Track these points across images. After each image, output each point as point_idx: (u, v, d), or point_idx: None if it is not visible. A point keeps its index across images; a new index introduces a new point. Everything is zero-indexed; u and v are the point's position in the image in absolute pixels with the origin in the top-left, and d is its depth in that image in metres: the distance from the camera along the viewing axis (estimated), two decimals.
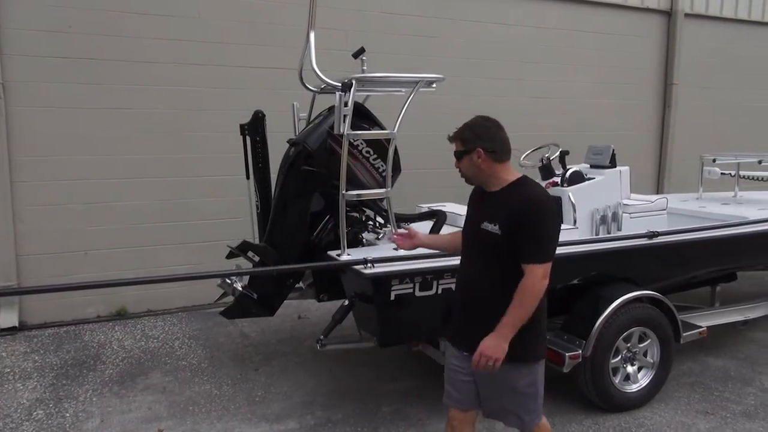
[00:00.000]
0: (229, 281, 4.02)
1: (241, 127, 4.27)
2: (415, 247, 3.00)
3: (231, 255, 4.07)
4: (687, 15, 8.81)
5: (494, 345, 2.39)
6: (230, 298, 4.14)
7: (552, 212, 2.47)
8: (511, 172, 2.58)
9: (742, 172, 6.22)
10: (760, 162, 5.58)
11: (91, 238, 5.77)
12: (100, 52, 5.61)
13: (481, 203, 2.63)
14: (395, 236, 3.00)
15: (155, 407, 4.04)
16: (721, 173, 6.10)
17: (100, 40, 5.60)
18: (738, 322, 4.89)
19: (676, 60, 8.78)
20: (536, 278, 2.38)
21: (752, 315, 4.96)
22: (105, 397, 4.18)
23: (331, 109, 3.77)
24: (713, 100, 9.37)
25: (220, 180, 6.06)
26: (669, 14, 8.75)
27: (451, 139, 2.64)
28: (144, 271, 5.81)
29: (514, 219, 2.41)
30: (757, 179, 6.58)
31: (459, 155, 2.60)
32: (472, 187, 2.75)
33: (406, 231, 2.97)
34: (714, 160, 5.92)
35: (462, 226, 2.78)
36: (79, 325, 5.67)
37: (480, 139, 2.54)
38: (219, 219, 6.09)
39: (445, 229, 3.89)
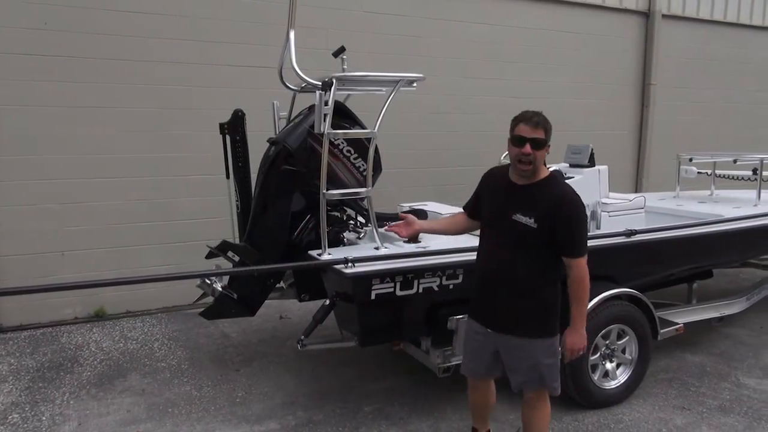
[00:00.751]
0: (208, 281, 3.99)
1: (221, 126, 4.23)
2: (416, 234, 3.33)
3: (210, 255, 4.04)
4: (664, 16, 8.93)
5: (578, 337, 2.77)
6: (210, 299, 4.10)
7: (584, 208, 2.76)
8: (544, 169, 2.82)
9: (718, 171, 6.33)
10: (735, 161, 5.67)
11: (69, 239, 5.68)
12: (77, 50, 5.52)
13: (511, 193, 2.79)
14: (393, 227, 3.28)
15: (134, 409, 3.99)
16: (698, 172, 6.19)
17: (77, 38, 5.51)
18: (714, 319, 4.96)
19: (654, 60, 8.89)
20: (583, 269, 2.71)
21: (728, 311, 5.04)
22: (82, 400, 4.12)
23: (311, 108, 3.76)
24: (690, 100, 9.51)
25: (200, 179, 6.01)
26: (647, 15, 8.86)
27: (535, 124, 2.68)
28: (123, 272, 5.74)
29: (552, 215, 2.64)
30: (733, 178, 6.70)
31: (541, 143, 2.69)
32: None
33: (405, 219, 3.25)
34: (691, 160, 6.01)
35: None
36: (56, 327, 5.58)
37: (550, 132, 2.75)
38: (199, 219, 6.04)
39: None
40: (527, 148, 2.65)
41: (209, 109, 5.83)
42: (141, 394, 4.22)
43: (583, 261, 2.71)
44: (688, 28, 9.33)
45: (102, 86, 5.66)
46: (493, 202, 2.87)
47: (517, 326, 2.80)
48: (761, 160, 5.52)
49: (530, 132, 2.67)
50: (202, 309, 4.16)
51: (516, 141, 2.70)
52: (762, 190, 5.51)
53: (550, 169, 4.44)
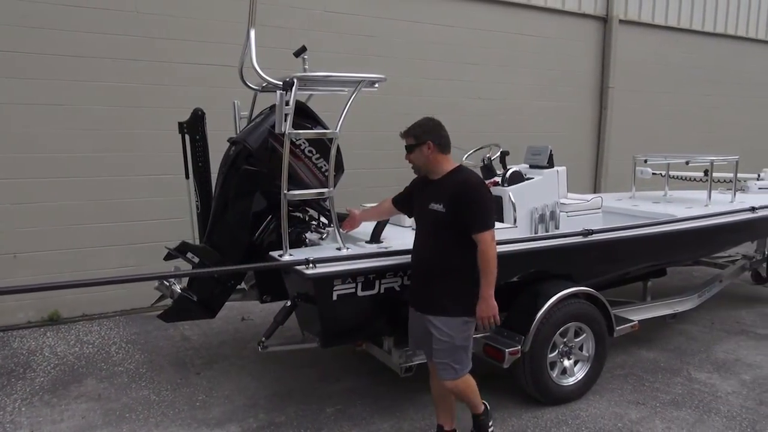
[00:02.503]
0: (167, 283, 3.91)
1: (180, 125, 4.16)
2: (359, 224, 3.79)
3: (169, 256, 3.96)
4: (621, 21, 9.18)
5: (485, 306, 3.03)
6: (169, 301, 4.03)
7: (485, 189, 3.14)
8: (451, 163, 3.21)
9: (671, 173, 6.52)
10: (687, 163, 5.86)
11: (22, 240, 5.51)
12: (26, 46, 5.35)
13: (426, 189, 3.21)
14: (344, 224, 3.70)
15: (89, 415, 3.89)
16: (653, 173, 6.38)
17: (26, 33, 5.34)
18: (667, 316, 5.12)
19: (612, 64, 9.13)
20: (488, 242, 2.99)
21: (680, 308, 5.21)
22: (35, 407, 3.99)
23: (272, 108, 3.72)
24: (646, 103, 9.80)
25: (159, 179, 5.90)
26: (605, 20, 9.09)
27: (404, 134, 3.22)
28: (79, 274, 5.57)
29: (455, 199, 3.02)
30: (685, 179, 6.93)
31: (411, 148, 3.18)
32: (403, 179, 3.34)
33: (350, 214, 3.68)
34: (646, 161, 6.18)
35: (404, 222, 3.52)
36: (8, 332, 5.40)
37: (429, 134, 3.16)
38: (157, 219, 5.92)
39: (389, 229, 3.91)
40: (406, 154, 3.21)
41: (168, 107, 5.73)
42: (97, 399, 4.12)
43: (487, 235, 2.99)
44: (645, 34, 9.61)
45: (55, 84, 5.50)
46: (418, 198, 3.28)
47: (436, 306, 3.10)
48: (711, 162, 5.72)
49: (404, 142, 3.21)
50: (161, 311, 4.08)
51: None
52: (712, 191, 5.71)
53: (511, 170, 4.60)
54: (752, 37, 11.11)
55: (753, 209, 5.38)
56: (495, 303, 3.03)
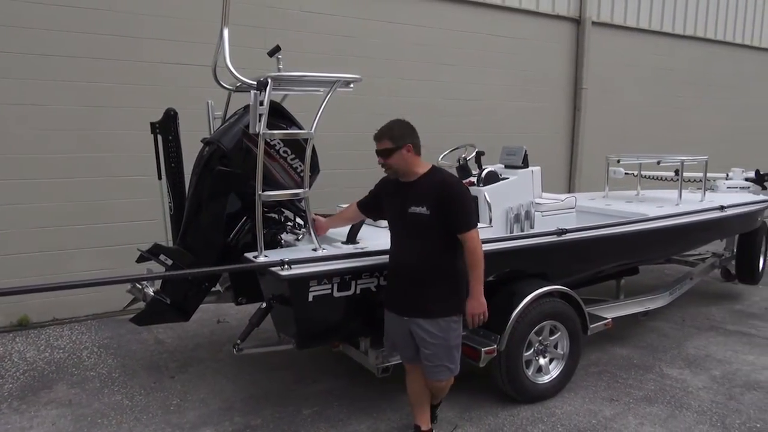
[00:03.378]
0: (139, 286, 3.85)
1: (152, 125, 4.09)
2: (325, 231, 3.73)
3: (142, 258, 3.89)
4: (594, 23, 9.31)
5: (475, 303, 3.08)
6: (142, 304, 3.96)
7: (465, 188, 3.19)
8: (424, 164, 3.19)
9: (643, 172, 6.64)
10: (658, 162, 5.97)
11: None
12: None
13: (400, 192, 3.17)
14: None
15: (60, 422, 3.81)
16: (625, 173, 6.49)
17: None
18: (640, 313, 5.21)
19: (585, 65, 9.25)
20: (474, 240, 3.04)
21: (652, 306, 5.30)
22: (3, 414, 3.90)
23: (246, 108, 3.67)
24: (619, 104, 9.95)
25: (131, 180, 5.80)
26: (578, 21, 9.21)
27: (378, 138, 3.13)
28: (49, 277, 5.44)
29: (439, 200, 3.01)
30: (657, 179, 7.06)
31: (389, 152, 3.10)
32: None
33: (316, 222, 3.60)
34: (618, 161, 6.27)
35: (381, 222, 3.48)
36: None
37: (407, 137, 3.12)
38: (130, 221, 5.83)
39: (365, 229, 3.90)
40: (379, 158, 3.15)
41: (140, 107, 5.65)
42: (68, 405, 4.03)
43: (472, 234, 3.04)
44: (617, 35, 9.76)
45: (26, 83, 5.38)
46: (392, 202, 3.23)
47: (425, 309, 3.09)
48: (682, 162, 5.84)
49: (377, 145, 3.14)
50: (134, 315, 4.00)
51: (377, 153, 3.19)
52: (683, 190, 5.82)
53: (487, 170, 4.63)
54: (720, 40, 11.37)
55: (722, 208, 5.50)
56: (485, 301, 3.09)
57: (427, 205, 3.03)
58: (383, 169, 3.22)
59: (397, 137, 3.09)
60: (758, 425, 3.82)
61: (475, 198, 4.37)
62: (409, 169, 3.14)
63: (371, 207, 3.51)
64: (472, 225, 3.06)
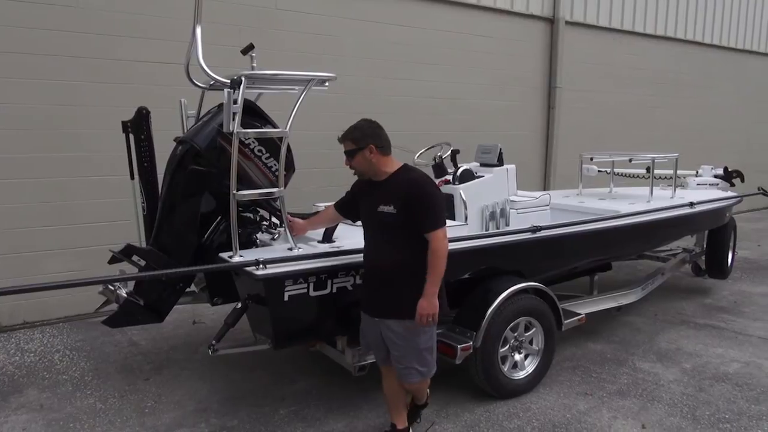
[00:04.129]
0: (111, 288, 3.79)
1: (124, 124, 4.03)
2: (304, 233, 3.71)
3: (114, 260, 3.84)
4: (568, 23, 9.43)
5: (427, 304, 2.97)
6: (115, 306, 3.90)
7: (434, 186, 3.10)
8: (394, 163, 3.15)
9: (616, 170, 6.75)
10: (630, 160, 6.07)
11: None
12: None
13: (372, 191, 3.14)
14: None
15: (31, 427, 3.73)
16: (598, 171, 6.59)
17: None
18: (613, 308, 5.30)
19: (559, 64, 9.37)
20: (439, 241, 2.97)
21: (625, 301, 5.39)
22: None
23: (220, 107, 3.65)
24: (592, 103, 10.10)
25: (103, 180, 5.71)
26: (552, 21, 9.32)
27: (342, 139, 3.13)
28: (19, 279, 5.33)
29: (406, 199, 2.97)
30: (629, 176, 7.18)
31: (352, 153, 3.09)
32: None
33: (292, 223, 3.57)
34: (591, 159, 6.37)
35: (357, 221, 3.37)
36: None
37: (370, 137, 3.07)
38: (102, 222, 5.73)
39: (341, 228, 3.90)
40: (346, 160, 3.14)
41: (112, 106, 5.55)
42: (39, 410, 3.96)
43: (439, 233, 2.97)
44: (590, 35, 9.90)
45: None
46: (365, 202, 3.22)
47: (393, 309, 3.06)
48: (653, 160, 5.95)
49: (343, 147, 3.14)
50: (106, 317, 3.94)
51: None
52: (654, 187, 5.93)
53: (462, 168, 4.65)
54: (690, 40, 11.60)
55: (691, 204, 5.62)
56: (437, 302, 3.00)
57: (395, 204, 2.99)
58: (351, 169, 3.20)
59: (359, 138, 3.06)
60: (726, 416, 3.91)
61: (450, 196, 4.41)
62: (376, 169, 3.10)
63: (349, 207, 3.47)
64: (439, 225, 2.98)
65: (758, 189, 7.80)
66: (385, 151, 3.10)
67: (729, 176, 7.33)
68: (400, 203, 2.98)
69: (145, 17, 5.86)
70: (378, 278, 3.12)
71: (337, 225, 3.80)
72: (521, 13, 8.91)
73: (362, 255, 3.28)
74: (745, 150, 12.90)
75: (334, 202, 3.60)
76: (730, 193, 6.80)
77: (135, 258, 3.67)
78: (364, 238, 3.24)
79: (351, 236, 3.80)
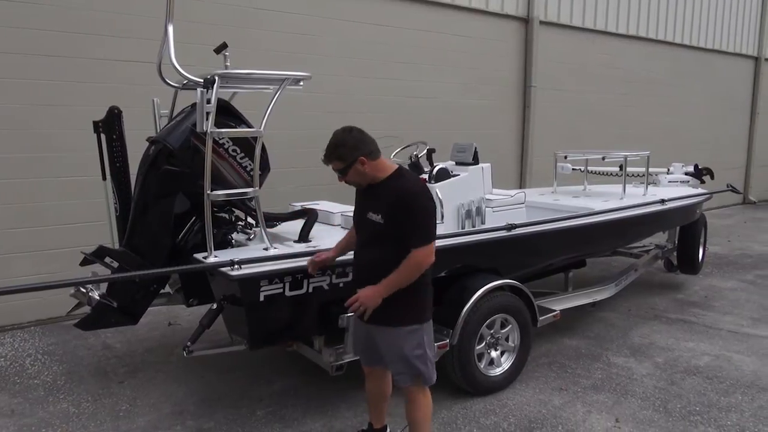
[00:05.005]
0: (83, 290, 3.72)
1: (95, 124, 3.96)
2: (331, 263, 3.32)
3: (86, 261, 3.78)
4: (542, 22, 9.52)
5: (370, 294, 2.81)
6: (87, 309, 3.84)
7: (426, 196, 2.83)
8: (387, 166, 2.94)
9: (589, 168, 6.85)
10: (603, 158, 6.16)
11: None
12: None
13: (365, 195, 2.99)
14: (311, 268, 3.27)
15: None
16: (572, 169, 6.67)
17: None
18: (588, 304, 5.37)
19: (534, 64, 9.45)
20: (421, 257, 2.78)
21: (599, 297, 5.47)
22: None
23: (194, 106, 3.62)
24: (566, 102, 10.22)
25: (74, 181, 5.61)
26: (526, 21, 9.40)
27: (327, 160, 2.90)
28: None
29: (393, 210, 2.78)
30: (602, 174, 7.29)
31: (344, 171, 2.89)
32: (346, 185, 3.02)
33: (316, 259, 3.25)
34: (566, 157, 6.45)
35: (333, 220, 3.36)
36: None
37: (357, 149, 2.84)
38: (73, 223, 5.63)
39: (317, 228, 3.89)
40: (339, 178, 2.96)
41: (82, 106, 5.46)
42: (10, 415, 3.88)
43: (425, 250, 2.77)
44: (564, 35, 10.01)
45: None
46: (357, 206, 3.08)
47: (382, 317, 2.90)
48: (625, 158, 6.05)
49: (330, 165, 2.92)
50: (79, 320, 3.88)
51: None
52: (627, 185, 6.03)
53: (438, 167, 4.66)
54: (661, 39, 11.81)
55: (663, 201, 5.73)
56: (380, 300, 2.81)
57: (382, 213, 2.81)
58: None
59: (345, 155, 2.84)
60: (697, 408, 4.00)
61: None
62: (369, 178, 2.90)
63: None
64: (426, 241, 2.77)
65: (727, 186, 7.98)
66: (375, 156, 2.88)
67: (699, 173, 7.48)
68: (387, 213, 2.79)
69: (117, 15, 5.77)
70: (366, 283, 2.90)
71: (313, 223, 3.81)
72: (496, 13, 8.98)
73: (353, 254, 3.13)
74: (715, 148, 13.19)
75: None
76: (700, 190, 6.94)
77: (108, 260, 3.62)
78: (356, 239, 3.08)
79: (327, 236, 3.80)
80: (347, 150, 2.84)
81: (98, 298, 3.65)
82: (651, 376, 4.51)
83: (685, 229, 6.74)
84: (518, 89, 9.52)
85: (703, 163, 7.91)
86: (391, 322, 2.92)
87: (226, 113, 3.66)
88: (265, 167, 3.75)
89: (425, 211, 2.80)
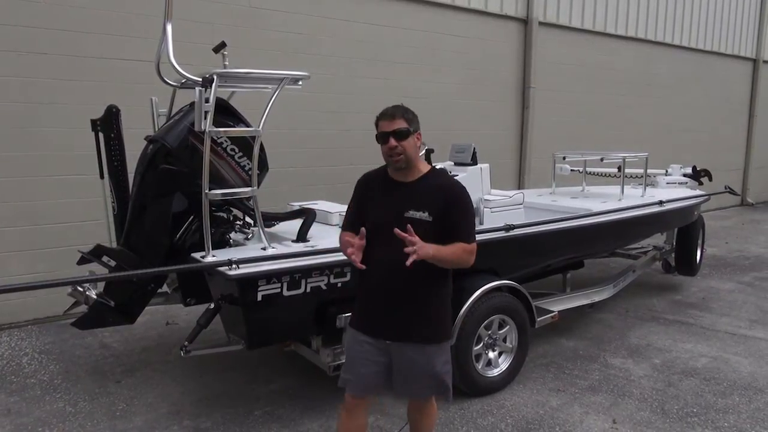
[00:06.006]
0: (81, 289, 3.72)
1: (93, 122, 3.96)
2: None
3: (83, 260, 3.76)
4: (541, 23, 9.53)
5: (426, 247, 2.44)
6: (84, 308, 3.83)
7: (470, 197, 2.74)
8: (424, 163, 2.78)
9: (588, 169, 6.85)
10: (602, 159, 6.16)
11: None
12: None
13: (398, 192, 2.68)
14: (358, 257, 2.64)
15: None
16: (571, 170, 6.68)
17: None
18: (586, 305, 5.37)
19: (533, 64, 9.46)
20: (472, 249, 2.65)
21: (598, 298, 5.47)
22: None
23: (192, 105, 3.61)
24: (565, 102, 10.22)
25: (72, 180, 5.60)
26: (525, 22, 9.41)
27: (391, 115, 2.62)
28: None
29: (446, 206, 2.60)
30: (601, 175, 7.29)
31: (405, 133, 2.61)
32: (350, 184, 2.89)
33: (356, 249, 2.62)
34: (564, 158, 6.45)
35: (332, 220, 3.03)
36: None
37: (417, 123, 2.68)
38: (71, 222, 5.62)
39: (315, 228, 3.88)
40: (392, 141, 2.60)
41: (80, 104, 5.45)
42: (6, 414, 3.87)
43: (474, 247, 2.67)
44: (563, 36, 10.02)
45: None
46: (380, 204, 2.72)
47: (416, 332, 2.68)
48: (624, 159, 6.05)
49: (389, 125, 2.62)
50: (76, 319, 3.87)
51: (381, 138, 2.65)
52: (625, 186, 6.04)
53: (439, 168, 4.66)
54: (660, 41, 11.82)
55: (661, 203, 5.73)
56: (432, 254, 2.49)
57: (430, 210, 2.60)
58: (391, 158, 2.63)
59: (411, 119, 2.64)
60: (695, 410, 4.00)
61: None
62: (414, 163, 2.67)
63: (361, 222, 2.73)
64: (474, 238, 2.69)
65: (725, 188, 7.99)
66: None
67: (697, 175, 7.49)
68: (437, 209, 2.60)
69: (115, 13, 5.76)
70: (397, 295, 2.65)
71: (311, 223, 3.80)
72: (495, 14, 8.98)
73: (365, 262, 2.61)
74: (713, 149, 13.20)
75: (342, 229, 2.87)
76: (698, 192, 6.95)
77: (105, 259, 3.61)
78: (372, 247, 2.64)
79: (325, 236, 3.79)
80: (413, 116, 2.66)
81: (95, 297, 3.66)
82: (648, 377, 4.51)
83: (683, 230, 6.74)
84: (517, 90, 9.52)
85: (701, 164, 7.91)
86: (431, 339, 2.71)
87: (225, 112, 3.66)
88: (263, 167, 3.75)
89: (473, 209, 2.74)
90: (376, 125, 2.69)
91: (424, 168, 2.73)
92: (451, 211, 2.62)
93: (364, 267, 2.58)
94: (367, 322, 2.77)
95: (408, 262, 2.39)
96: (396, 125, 2.61)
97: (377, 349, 2.73)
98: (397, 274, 2.59)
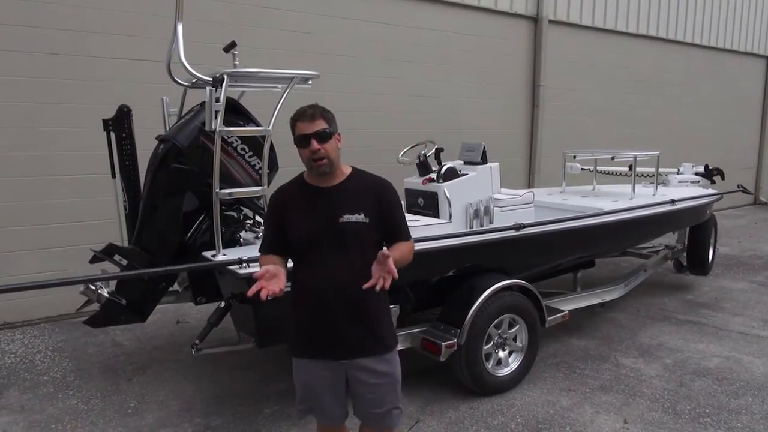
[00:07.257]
0: (93, 287, 3.75)
1: (105, 122, 3.99)
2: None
3: (95, 259, 3.80)
4: (551, 21, 9.48)
5: (392, 264, 2.21)
6: (96, 306, 3.86)
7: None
8: (345, 164, 2.57)
9: (599, 168, 6.81)
10: (613, 158, 6.12)
11: None
12: None
13: (321, 200, 2.46)
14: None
15: (12, 429, 3.69)
16: (581, 168, 6.64)
17: None
18: (596, 305, 5.34)
19: (543, 63, 9.41)
20: (414, 249, 2.55)
21: (608, 297, 5.44)
22: None
23: (203, 105, 3.63)
24: (576, 101, 10.17)
25: (84, 179, 5.64)
26: (535, 20, 9.36)
27: (311, 117, 2.38)
28: None
29: (381, 205, 2.46)
30: (612, 173, 7.25)
31: (327, 136, 2.39)
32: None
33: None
34: (575, 157, 6.42)
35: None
36: None
37: (336, 124, 2.47)
38: (83, 221, 5.67)
39: None
40: (314, 144, 2.37)
41: (91, 104, 5.49)
42: (20, 411, 3.91)
43: (413, 243, 2.58)
44: (573, 34, 9.96)
45: None
46: (306, 216, 2.46)
47: (373, 343, 2.48)
48: (635, 158, 6.01)
49: (310, 127, 2.38)
50: (88, 317, 3.91)
51: (300, 142, 2.41)
52: (636, 185, 5.99)
53: (446, 166, 4.65)
54: (672, 39, 11.72)
55: (673, 202, 5.69)
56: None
57: (366, 212, 2.42)
58: (314, 162, 2.40)
59: (330, 119, 2.43)
60: (707, 410, 3.97)
61: (435, 194, 4.43)
62: (336, 165, 2.46)
63: (283, 242, 2.51)
64: (410, 232, 2.59)
65: (738, 186, 7.91)
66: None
67: (710, 174, 7.42)
68: (372, 211, 2.43)
69: (126, 13, 5.80)
70: (344, 308, 2.41)
71: None
72: (505, 12, 8.94)
73: (295, 286, 2.51)
74: (726, 148, 13.09)
75: (261, 252, 2.60)
76: (710, 191, 6.89)
77: (117, 257, 3.64)
78: (305, 262, 2.48)
79: None
80: (332, 116, 2.45)
81: (107, 295, 3.68)
82: (660, 377, 4.48)
83: (695, 229, 6.68)
84: (527, 88, 9.48)
85: (714, 163, 7.84)
86: (388, 347, 2.52)
87: (235, 112, 3.68)
88: (273, 166, 3.76)
89: (401, 204, 2.62)
90: (293, 127, 2.44)
91: (347, 169, 2.54)
92: (388, 210, 2.48)
93: (282, 294, 2.28)
94: (315, 346, 2.50)
95: (386, 285, 2.18)
96: (317, 126, 2.38)
97: (332, 373, 2.50)
98: (337, 282, 2.41)
